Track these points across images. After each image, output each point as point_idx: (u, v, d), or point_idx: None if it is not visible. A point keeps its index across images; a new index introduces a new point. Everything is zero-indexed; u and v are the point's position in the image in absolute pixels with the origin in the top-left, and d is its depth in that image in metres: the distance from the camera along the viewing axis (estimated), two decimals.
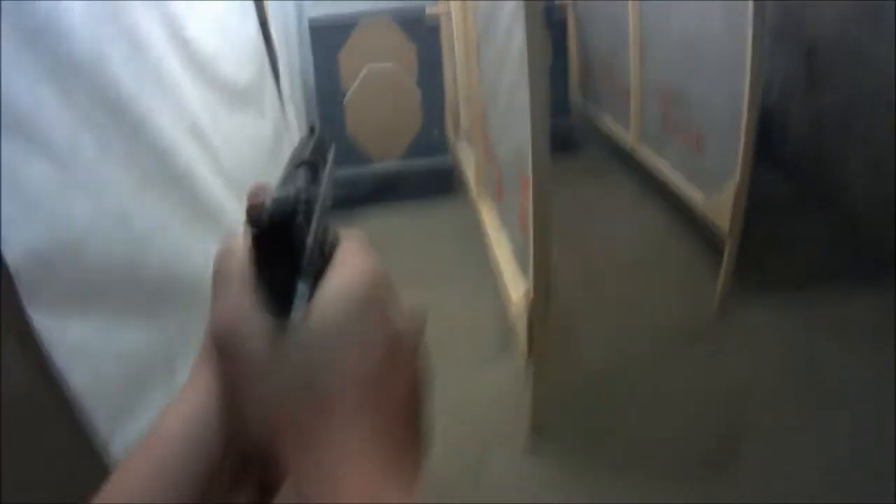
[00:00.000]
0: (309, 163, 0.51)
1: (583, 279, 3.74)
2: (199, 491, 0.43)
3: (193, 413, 0.45)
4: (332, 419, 0.40)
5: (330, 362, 0.41)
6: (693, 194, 3.67)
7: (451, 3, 4.59)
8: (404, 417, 0.44)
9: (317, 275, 0.43)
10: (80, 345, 1.42)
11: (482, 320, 3.46)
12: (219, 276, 0.45)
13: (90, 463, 1.44)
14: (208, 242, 2.06)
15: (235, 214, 2.36)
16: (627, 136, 4.80)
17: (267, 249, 0.43)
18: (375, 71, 4.80)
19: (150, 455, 0.44)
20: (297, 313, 0.41)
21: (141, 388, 1.64)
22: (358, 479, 0.39)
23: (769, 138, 4.08)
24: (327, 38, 4.73)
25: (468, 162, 4.45)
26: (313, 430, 0.40)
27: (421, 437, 0.46)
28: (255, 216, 0.41)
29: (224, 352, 0.43)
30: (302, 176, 0.49)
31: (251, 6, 3.38)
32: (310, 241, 0.43)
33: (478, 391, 3.01)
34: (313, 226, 0.44)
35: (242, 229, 0.44)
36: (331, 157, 0.57)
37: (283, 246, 0.42)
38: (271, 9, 3.68)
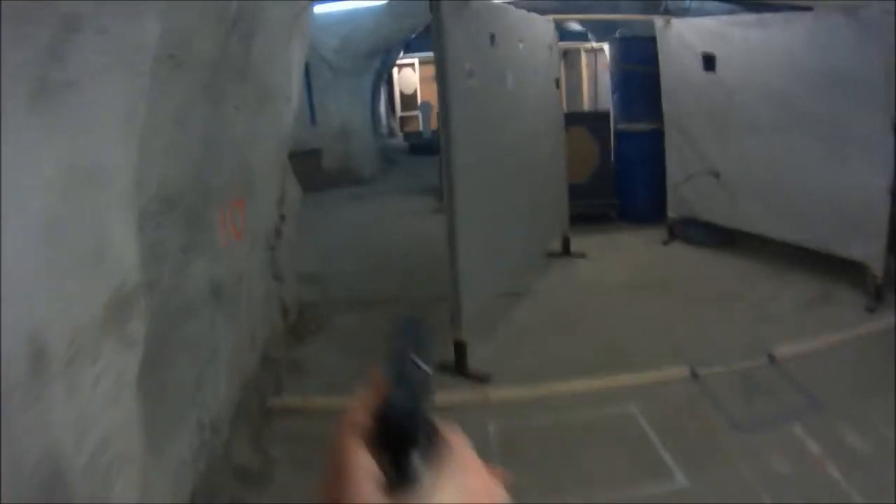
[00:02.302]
0: (416, 361, 0.55)
1: None
2: None
3: None
4: None
5: None
6: None
7: None
8: None
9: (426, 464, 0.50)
10: None
11: None
12: (342, 452, 0.50)
13: None
14: None
15: None
16: None
17: (386, 441, 0.50)
18: None
19: None
20: (413, 490, 0.48)
21: None
22: None
23: None
24: None
25: None
26: None
27: None
28: (385, 421, 0.50)
29: None
30: (415, 379, 0.54)
31: None
32: (423, 437, 0.50)
33: None
34: (424, 422, 0.51)
35: (358, 407, 0.53)
36: (429, 345, 0.60)
37: (400, 443, 0.49)
38: None
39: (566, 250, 7.21)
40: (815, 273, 6.11)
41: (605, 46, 8.90)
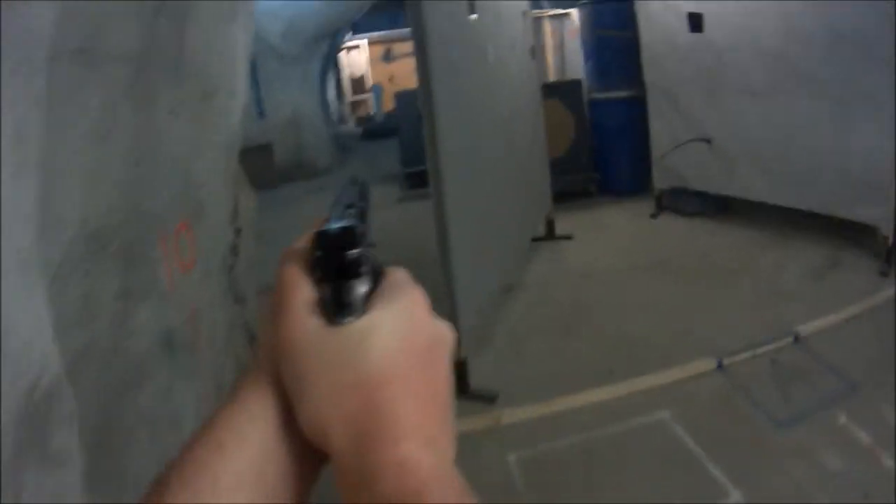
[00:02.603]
0: (356, 205, 0.56)
1: None
2: None
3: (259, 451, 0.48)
4: (381, 400, 0.45)
5: (380, 353, 0.46)
6: None
7: None
8: (441, 402, 0.49)
9: (367, 294, 0.49)
10: None
11: None
12: (281, 284, 0.51)
13: None
14: None
15: None
16: None
17: (327, 267, 0.49)
18: None
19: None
20: (352, 312, 0.48)
21: None
22: (405, 446, 0.44)
23: None
24: None
25: None
26: (363, 413, 0.45)
27: (453, 420, 0.50)
28: (324, 231, 0.49)
29: (286, 353, 0.48)
30: (353, 215, 0.53)
31: None
32: (365, 258, 0.50)
33: None
34: (366, 249, 0.50)
35: (299, 243, 0.53)
36: (371, 200, 0.63)
37: (341, 266, 0.49)
38: None
39: (551, 233, 6.70)
40: (818, 238, 5.89)
41: (573, 12, 8.46)
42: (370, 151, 13.98)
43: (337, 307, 0.48)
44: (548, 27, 9.71)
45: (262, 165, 9.87)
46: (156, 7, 2.14)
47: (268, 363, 0.50)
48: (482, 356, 4.55)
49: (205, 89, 2.97)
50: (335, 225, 0.49)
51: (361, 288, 0.49)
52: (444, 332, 0.52)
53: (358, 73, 19.86)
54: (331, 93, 16.34)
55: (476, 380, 4.19)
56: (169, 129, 2.49)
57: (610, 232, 6.94)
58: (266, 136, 10.80)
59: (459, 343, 3.92)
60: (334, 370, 0.46)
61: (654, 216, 7.15)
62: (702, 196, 6.79)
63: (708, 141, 6.43)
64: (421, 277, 0.55)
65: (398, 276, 0.53)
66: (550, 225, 6.70)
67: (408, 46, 18.00)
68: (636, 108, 7.18)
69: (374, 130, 16.05)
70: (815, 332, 4.49)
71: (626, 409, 3.90)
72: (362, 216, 0.55)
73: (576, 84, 7.98)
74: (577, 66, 8.76)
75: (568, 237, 6.67)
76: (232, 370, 4.00)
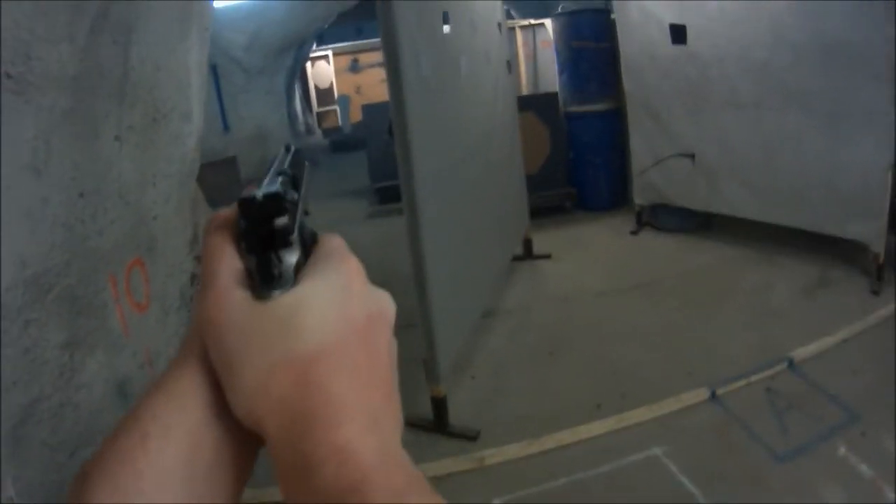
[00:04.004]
0: (288, 172, 0.52)
1: None
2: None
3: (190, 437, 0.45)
4: (316, 379, 0.43)
5: (313, 328, 0.44)
6: None
7: None
8: (383, 379, 0.46)
9: (298, 265, 0.46)
10: None
11: None
12: (207, 256, 0.48)
13: None
14: None
15: None
16: None
17: (254, 237, 0.46)
18: None
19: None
20: (281, 286, 0.45)
21: None
22: (345, 430, 0.41)
23: None
24: None
25: None
26: (297, 394, 0.42)
27: (397, 398, 0.48)
28: (247, 198, 0.45)
29: (211, 331, 0.45)
30: (283, 181, 0.49)
31: None
32: (294, 226, 0.47)
33: None
34: (297, 216, 0.48)
35: (226, 210, 0.50)
36: (307, 170, 0.59)
37: (269, 235, 0.45)
38: None
39: (529, 252, 6.45)
40: (806, 256, 5.74)
41: (546, 22, 8.27)
42: (339, 163, 13.73)
43: (264, 279, 0.45)
44: (520, 38, 9.54)
45: (227, 179, 9.70)
46: (92, 27, 1.87)
47: (195, 342, 0.47)
48: (461, 389, 4.33)
49: (155, 112, 2.72)
50: (262, 192, 0.46)
51: (291, 258, 0.46)
52: (383, 302, 0.50)
53: (324, 84, 19.62)
54: (297, 104, 16.15)
55: (455, 416, 3.95)
56: (115, 158, 2.24)
57: (589, 250, 6.73)
58: (231, 149, 10.57)
59: (438, 380, 3.71)
60: (263, 348, 0.43)
61: (634, 233, 6.96)
62: (683, 212, 6.62)
63: (692, 156, 6.26)
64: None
65: (332, 243, 0.51)
66: (528, 244, 6.47)
67: (375, 56, 17.89)
68: (613, 122, 7.05)
69: (342, 142, 15.81)
70: (810, 356, 4.35)
71: (617, 445, 3.70)
72: (295, 183, 0.52)
73: (551, 97, 7.79)
74: (551, 78, 8.57)
75: (547, 256, 6.45)
76: None
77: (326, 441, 0.41)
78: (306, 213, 0.53)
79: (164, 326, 3.10)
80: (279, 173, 0.51)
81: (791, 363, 4.28)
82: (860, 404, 3.82)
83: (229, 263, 0.46)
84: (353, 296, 0.47)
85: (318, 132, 18.55)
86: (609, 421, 3.86)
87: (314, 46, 16.51)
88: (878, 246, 5.06)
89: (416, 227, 3.71)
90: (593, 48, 7.15)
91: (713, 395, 4.04)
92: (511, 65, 6.26)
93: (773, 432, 3.69)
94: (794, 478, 3.37)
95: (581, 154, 7.60)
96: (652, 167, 6.61)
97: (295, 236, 0.46)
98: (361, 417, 0.42)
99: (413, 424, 3.84)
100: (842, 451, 3.51)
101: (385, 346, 0.48)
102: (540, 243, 6.57)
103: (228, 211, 0.50)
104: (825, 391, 3.98)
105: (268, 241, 0.45)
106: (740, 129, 5.83)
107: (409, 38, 3.76)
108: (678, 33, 6.05)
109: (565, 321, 5.24)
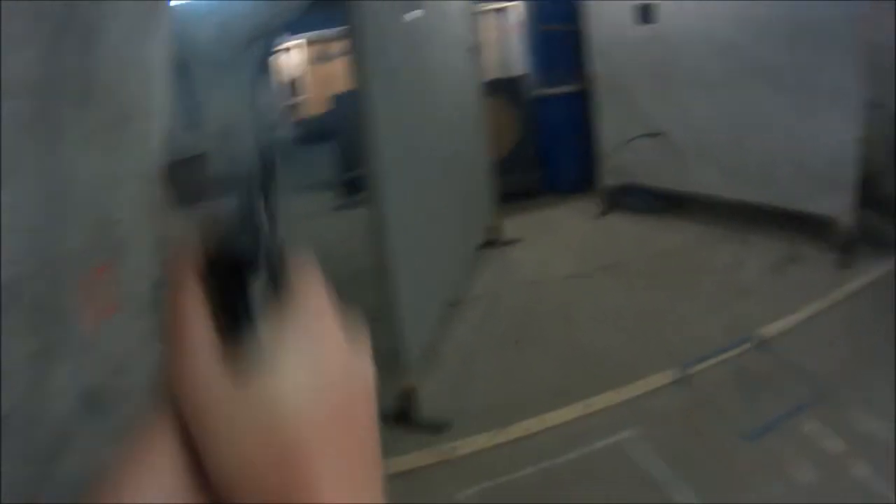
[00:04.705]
0: (253, 191, 0.47)
1: None
2: None
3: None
4: (298, 459, 0.42)
5: (293, 407, 0.42)
6: None
7: None
8: (364, 450, 0.46)
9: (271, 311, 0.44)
10: None
11: None
12: (173, 318, 0.44)
13: None
14: None
15: None
16: None
17: (221, 301, 0.43)
18: None
19: None
20: (256, 358, 0.42)
21: None
22: None
23: None
24: None
25: None
26: (279, 474, 0.42)
27: (379, 462, 0.47)
28: (211, 263, 0.43)
29: (187, 407, 0.43)
30: (248, 202, 0.46)
31: None
32: (259, 263, 0.44)
33: None
34: (263, 244, 0.44)
35: (189, 252, 0.45)
36: (276, 175, 0.51)
37: (239, 297, 0.43)
38: None
39: (497, 238, 6.38)
40: (775, 233, 5.72)
41: (513, 6, 8.18)
42: (307, 156, 13.60)
43: (236, 352, 0.42)
44: (489, 22, 9.48)
45: (196, 176, 9.49)
46: (55, 29, 1.83)
47: (167, 405, 0.45)
48: (429, 379, 4.26)
49: (119, 114, 2.66)
50: (228, 246, 0.44)
51: (263, 324, 0.43)
52: (362, 371, 0.49)
53: (295, 75, 19.42)
54: (267, 97, 15.95)
55: (425, 407, 3.91)
56: (80, 163, 2.20)
57: (558, 233, 6.69)
58: (200, 146, 10.35)
59: (407, 373, 3.67)
60: (243, 429, 0.42)
61: (602, 215, 6.91)
62: (652, 193, 6.58)
63: (660, 136, 6.23)
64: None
65: (307, 294, 0.47)
66: (496, 229, 6.41)
67: (345, 46, 17.66)
68: (582, 104, 6.95)
69: (312, 133, 15.60)
70: (779, 333, 4.34)
71: (586, 431, 3.68)
72: (266, 197, 0.47)
73: (519, 81, 7.72)
74: (520, 62, 8.50)
75: (515, 241, 6.40)
76: None
77: None
78: (280, 241, 0.48)
79: (134, 331, 3.04)
80: (242, 190, 0.47)
81: (760, 341, 4.26)
82: (830, 380, 3.82)
83: (198, 330, 0.44)
84: (331, 371, 0.45)
85: (290, 123, 18.40)
86: (576, 407, 3.83)
87: (285, 37, 16.27)
88: (848, 221, 5.07)
89: (379, 218, 3.68)
90: (561, 31, 7.07)
91: (681, 377, 4.02)
92: (477, 50, 6.20)
93: (741, 411, 3.69)
94: (763, 456, 3.37)
95: (550, 137, 7.53)
96: (619, 148, 6.57)
97: (267, 298, 0.44)
98: (344, 496, 0.43)
99: (382, 419, 3.77)
100: (811, 427, 3.51)
101: (365, 416, 0.48)
102: (509, 228, 6.51)
103: (189, 253, 0.46)
104: (794, 368, 3.97)
105: (237, 310, 0.43)
106: (708, 107, 5.81)
107: (376, 26, 3.75)
108: (646, 13, 6.02)
109: (534, 306, 5.21)
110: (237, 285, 0.43)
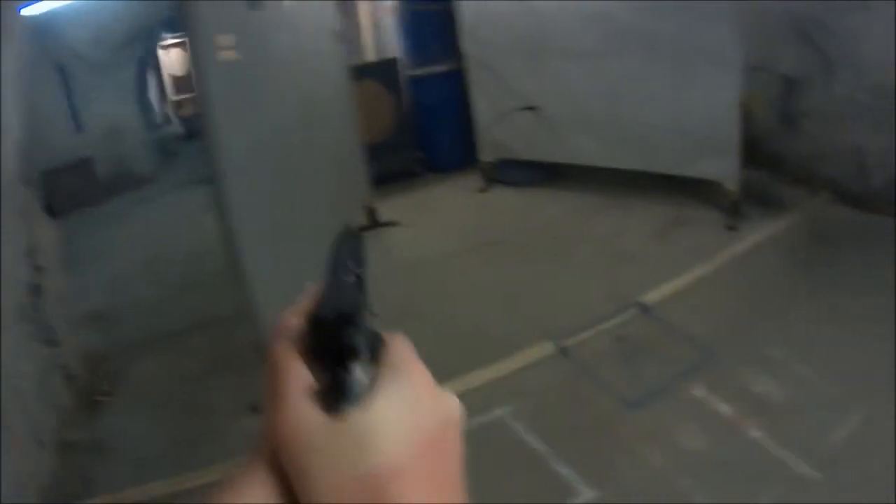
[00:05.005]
0: (353, 270, 0.52)
1: None
2: None
3: None
4: (392, 495, 0.42)
5: (387, 445, 0.43)
6: None
7: None
8: (454, 486, 0.47)
9: (369, 375, 0.46)
10: None
11: None
12: (276, 368, 0.47)
13: None
14: None
15: None
16: None
17: (324, 351, 0.45)
18: None
19: None
20: (353, 405, 0.43)
21: None
22: None
23: None
24: None
25: None
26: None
27: (466, 497, 0.48)
28: (319, 325, 0.46)
29: (287, 447, 0.44)
30: (350, 285, 0.50)
31: None
32: (364, 339, 0.46)
33: None
34: (365, 326, 0.47)
35: (292, 319, 0.49)
36: (366, 261, 0.57)
37: (339, 350, 0.45)
38: None
39: (374, 222, 6.16)
40: (660, 198, 5.64)
41: None
42: (197, 151, 13.13)
43: (337, 397, 0.44)
44: (363, 7, 9.24)
45: (83, 181, 9.37)
46: None
47: (266, 449, 0.46)
48: None
49: None
50: (330, 305, 0.47)
51: (361, 372, 0.45)
52: (451, 410, 0.49)
53: (181, 72, 18.79)
54: (152, 95, 15.42)
55: None
56: None
57: (439, 213, 6.52)
58: (85, 149, 10.06)
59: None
60: (338, 466, 0.43)
61: (482, 191, 6.77)
62: (531, 166, 6.46)
63: (535, 109, 6.08)
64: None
65: (400, 351, 0.48)
66: (372, 213, 6.19)
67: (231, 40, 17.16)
68: (457, 82, 6.79)
69: (198, 130, 15.07)
70: (663, 299, 4.23)
71: (465, 408, 3.36)
72: (359, 283, 0.52)
73: (391, 62, 7.54)
74: (394, 44, 8.27)
75: (393, 223, 6.19)
76: (53, 420, 3.75)
77: None
78: (373, 314, 0.49)
79: (2, 342, 3.10)
80: (344, 271, 0.52)
81: (643, 307, 4.14)
82: (717, 342, 3.72)
83: (299, 378, 0.45)
84: (424, 408, 0.46)
85: (176, 120, 17.81)
86: (454, 384, 3.61)
87: (166, 34, 15.77)
88: (732, 183, 5.03)
89: (226, 214, 3.64)
90: (433, 10, 6.92)
91: (561, 349, 3.87)
92: (341, 34, 5.94)
93: (625, 380, 3.57)
94: (647, 425, 3.26)
95: (427, 117, 7.37)
96: (495, 123, 6.42)
97: (363, 349, 0.45)
98: None
99: (254, 411, 3.71)
100: (698, 391, 3.40)
101: (455, 454, 0.48)
102: (388, 211, 6.32)
103: (295, 319, 0.49)
104: (680, 333, 3.86)
105: (338, 356, 0.45)
106: (584, 78, 5.68)
107: (214, 19, 3.62)
108: None
109: (411, 288, 5.00)
110: (337, 350, 0.44)
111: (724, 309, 4.07)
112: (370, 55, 9.05)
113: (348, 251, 0.55)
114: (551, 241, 5.38)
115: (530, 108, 6.09)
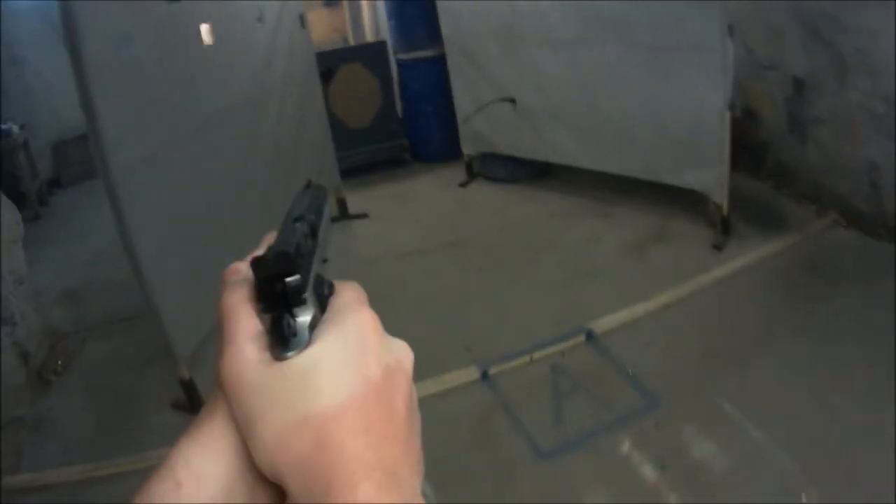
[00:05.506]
0: (305, 218, 0.53)
1: None
2: None
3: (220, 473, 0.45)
4: (332, 438, 0.42)
5: (328, 387, 0.43)
6: None
7: None
8: (401, 432, 0.45)
9: (314, 320, 0.46)
10: None
11: None
12: (224, 315, 0.47)
13: None
14: None
15: None
16: None
17: (268, 295, 0.45)
18: None
19: None
20: (296, 345, 0.43)
21: None
22: (363, 489, 0.40)
23: None
24: None
25: None
26: (315, 453, 0.42)
27: (417, 448, 0.47)
28: (259, 266, 0.45)
29: (231, 390, 0.44)
30: (300, 231, 0.50)
31: None
32: (307, 283, 0.46)
33: None
34: (310, 275, 0.47)
35: (242, 266, 0.50)
36: (326, 211, 0.59)
37: (282, 294, 0.45)
38: None
39: (343, 213, 5.80)
40: (646, 207, 5.10)
41: None
42: None
43: (279, 340, 0.44)
44: None
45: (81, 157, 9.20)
46: None
47: (222, 395, 0.46)
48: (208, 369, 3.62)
49: None
50: (273, 249, 0.46)
51: (305, 316, 0.45)
52: (399, 355, 0.49)
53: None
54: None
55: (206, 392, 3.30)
56: None
57: (413, 206, 6.12)
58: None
59: (180, 362, 3.55)
60: (281, 409, 0.43)
61: (463, 185, 6.34)
62: (514, 161, 6.04)
63: (512, 101, 5.65)
64: None
65: (347, 295, 0.50)
66: (342, 203, 5.83)
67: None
68: (442, 68, 6.36)
69: None
70: (617, 326, 3.76)
71: None
72: (313, 231, 0.53)
73: (380, 45, 7.08)
74: (380, 27, 8.02)
75: (363, 216, 5.82)
76: (9, 400, 3.79)
77: (345, 501, 0.40)
78: (324, 260, 0.53)
79: None
80: (297, 219, 0.52)
81: (590, 335, 3.70)
82: (664, 387, 3.27)
83: (246, 322, 0.46)
84: (369, 351, 0.45)
85: None
86: None
87: None
88: (720, 196, 4.45)
89: (121, 222, 3.52)
90: None
91: (485, 375, 3.49)
92: (304, 18, 5.53)
93: (544, 422, 3.16)
94: (554, 479, 2.87)
95: (413, 103, 6.98)
96: (474, 114, 6.01)
97: (309, 292, 0.46)
98: (379, 475, 0.41)
99: (176, 406, 3.66)
100: (625, 446, 2.99)
101: (403, 399, 0.46)
102: (363, 201, 5.98)
103: (244, 266, 0.49)
104: (625, 371, 3.42)
105: (282, 299, 0.45)
106: (559, 68, 5.21)
107: (108, 17, 3.32)
108: None
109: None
110: (280, 296, 0.44)
111: (684, 347, 3.55)
112: (352, 38, 8.75)
113: (307, 202, 0.55)
114: (517, 245, 4.95)
115: (509, 100, 5.66)
